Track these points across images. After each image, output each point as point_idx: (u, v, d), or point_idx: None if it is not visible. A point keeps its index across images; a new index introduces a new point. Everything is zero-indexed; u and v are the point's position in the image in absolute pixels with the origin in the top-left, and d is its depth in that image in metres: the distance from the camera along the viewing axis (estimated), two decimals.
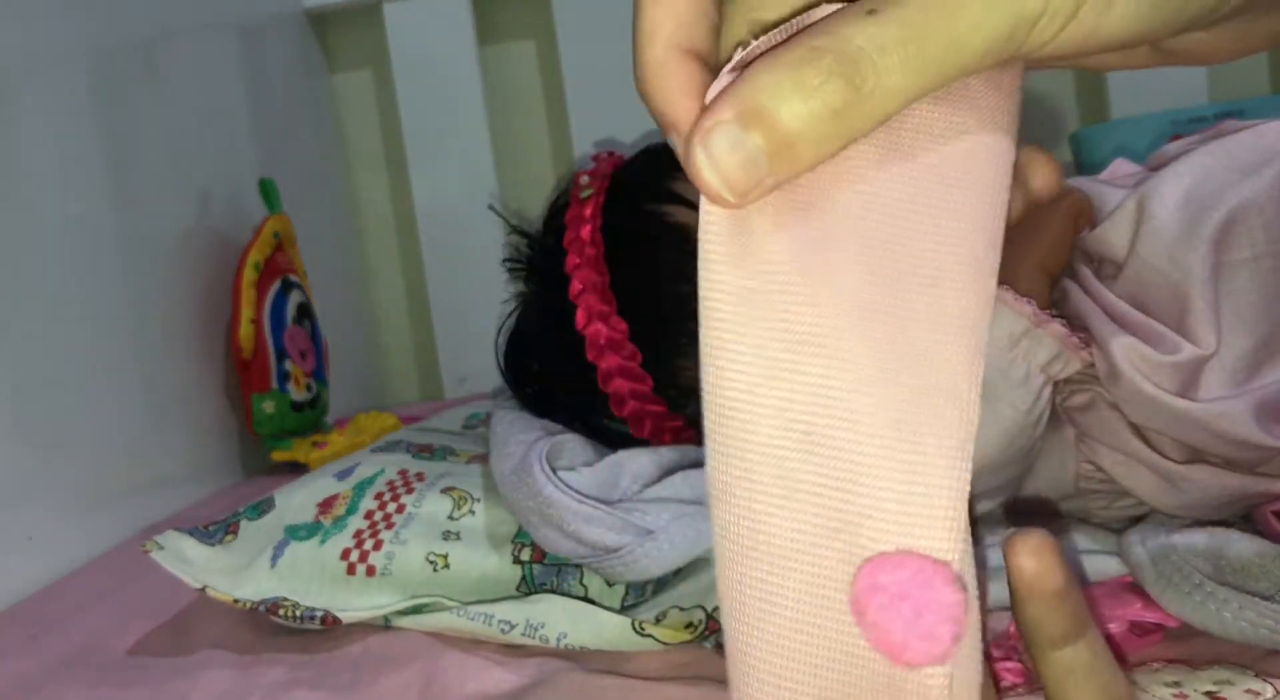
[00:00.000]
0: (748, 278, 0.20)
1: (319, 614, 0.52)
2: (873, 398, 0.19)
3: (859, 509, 0.19)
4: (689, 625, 0.47)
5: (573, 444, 0.59)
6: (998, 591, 0.50)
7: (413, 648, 0.50)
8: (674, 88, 0.21)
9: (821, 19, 0.20)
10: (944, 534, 0.19)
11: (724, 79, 0.20)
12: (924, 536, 0.19)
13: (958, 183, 0.20)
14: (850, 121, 0.19)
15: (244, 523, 0.59)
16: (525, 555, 0.55)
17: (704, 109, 0.20)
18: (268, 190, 0.94)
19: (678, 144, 0.21)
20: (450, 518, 0.57)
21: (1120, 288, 0.52)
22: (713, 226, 0.20)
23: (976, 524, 0.57)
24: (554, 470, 0.54)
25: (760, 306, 0.20)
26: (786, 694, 0.20)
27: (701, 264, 0.20)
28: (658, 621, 0.48)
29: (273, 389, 0.89)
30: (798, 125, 0.19)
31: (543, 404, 0.68)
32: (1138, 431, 0.52)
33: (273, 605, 0.53)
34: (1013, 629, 0.45)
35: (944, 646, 0.18)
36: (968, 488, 0.19)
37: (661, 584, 0.53)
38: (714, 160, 0.20)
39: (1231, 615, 0.40)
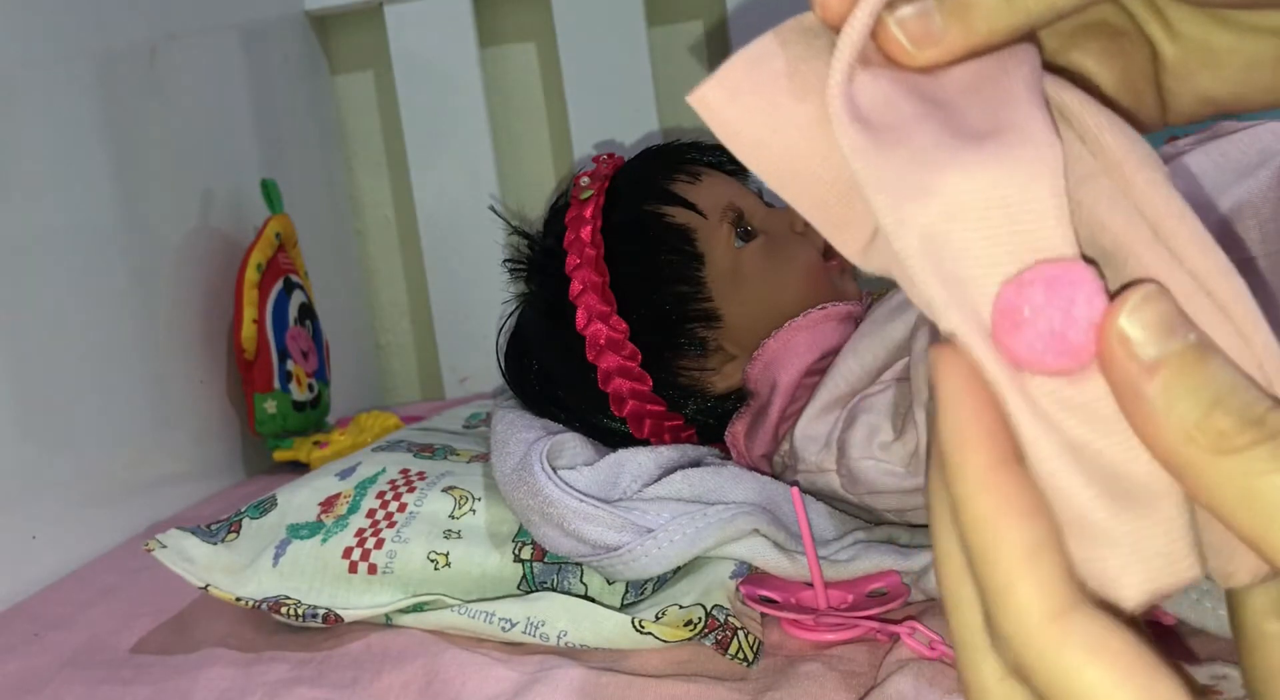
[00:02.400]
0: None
1: (321, 612, 0.53)
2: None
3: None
4: (688, 623, 0.47)
5: (573, 443, 0.59)
6: None
7: (414, 646, 0.50)
8: None
9: None
10: (1054, 233, 0.19)
11: None
12: (1040, 245, 0.19)
13: (1010, 59, 0.23)
14: (1021, 1, 0.22)
15: (246, 521, 0.59)
16: (526, 554, 0.55)
17: None
18: (269, 191, 0.95)
19: None
20: (451, 516, 0.57)
21: None
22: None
23: None
24: (554, 469, 0.55)
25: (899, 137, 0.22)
26: None
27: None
28: (657, 619, 0.48)
29: (275, 389, 0.89)
30: None
31: (543, 404, 0.68)
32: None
33: (275, 603, 0.53)
34: None
35: (1095, 326, 0.19)
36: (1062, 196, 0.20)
37: (661, 582, 0.53)
38: (897, 17, 0.22)
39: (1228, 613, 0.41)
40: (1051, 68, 0.25)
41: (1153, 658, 0.18)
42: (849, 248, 0.24)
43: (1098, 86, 0.26)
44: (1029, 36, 0.23)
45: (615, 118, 1.13)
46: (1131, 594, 0.19)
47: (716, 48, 1.16)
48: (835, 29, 0.22)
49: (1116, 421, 0.19)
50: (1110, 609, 0.18)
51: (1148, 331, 0.18)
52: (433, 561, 0.55)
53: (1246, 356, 0.19)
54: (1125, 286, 0.19)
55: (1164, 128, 0.27)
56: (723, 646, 0.46)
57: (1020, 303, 0.19)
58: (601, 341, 0.64)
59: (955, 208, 0.20)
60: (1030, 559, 0.18)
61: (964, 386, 0.19)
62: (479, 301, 1.10)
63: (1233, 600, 0.21)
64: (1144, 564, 0.19)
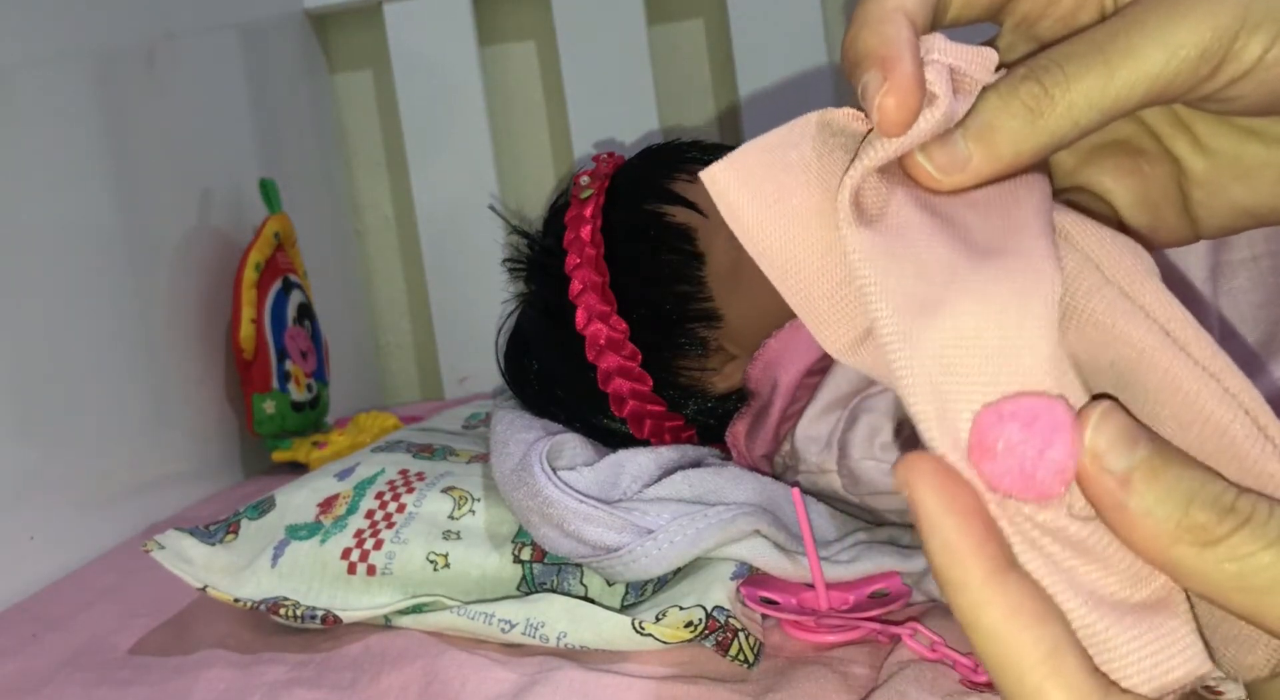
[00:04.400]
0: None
1: (320, 613, 0.52)
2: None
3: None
4: (688, 624, 0.47)
5: (573, 444, 0.59)
6: None
7: (413, 647, 0.50)
8: (889, 33, 0.23)
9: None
10: (1043, 364, 0.20)
11: (931, 39, 0.23)
12: (1027, 376, 0.20)
13: (1022, 183, 0.24)
14: (1043, 122, 0.22)
15: (245, 522, 0.59)
16: (525, 554, 0.55)
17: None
18: (268, 190, 0.95)
19: (869, 82, 0.22)
20: (451, 517, 0.57)
21: None
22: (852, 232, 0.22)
23: None
24: (554, 470, 0.54)
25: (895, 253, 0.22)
26: None
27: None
28: (657, 620, 0.48)
29: (273, 389, 0.89)
30: (995, 116, 0.23)
31: (542, 404, 0.68)
32: None
33: (273, 604, 0.53)
34: None
35: (1068, 474, 0.19)
36: (1053, 331, 0.20)
37: (661, 583, 0.53)
38: (923, 148, 0.23)
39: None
40: (1059, 191, 0.26)
41: None
42: (831, 344, 0.24)
43: (1112, 204, 0.26)
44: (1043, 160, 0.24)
45: (615, 117, 1.12)
46: (1141, 693, 0.19)
47: (717, 47, 1.16)
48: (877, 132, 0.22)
49: (1085, 545, 0.20)
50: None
51: (1114, 445, 0.19)
52: (432, 562, 0.55)
53: (1262, 445, 0.20)
54: (1084, 407, 0.20)
55: (1195, 241, 0.27)
56: (723, 648, 0.46)
57: (996, 435, 0.19)
58: (601, 341, 0.64)
59: (954, 331, 0.20)
60: (1050, 664, 0.18)
61: (942, 500, 0.19)
62: (479, 301, 1.10)
63: (1254, 695, 0.21)
64: (1143, 664, 0.19)
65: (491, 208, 0.88)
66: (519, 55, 1.20)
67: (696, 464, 0.59)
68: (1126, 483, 0.19)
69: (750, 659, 0.46)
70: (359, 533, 0.56)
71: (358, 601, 0.54)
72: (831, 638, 0.48)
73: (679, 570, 0.53)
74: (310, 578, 0.55)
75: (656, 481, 0.56)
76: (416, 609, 0.52)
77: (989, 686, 0.42)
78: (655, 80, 1.12)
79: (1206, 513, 0.18)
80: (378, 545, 0.55)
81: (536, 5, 1.15)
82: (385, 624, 0.53)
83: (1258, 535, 0.18)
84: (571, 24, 1.13)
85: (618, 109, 1.12)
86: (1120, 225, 0.27)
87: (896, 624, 0.46)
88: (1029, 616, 0.18)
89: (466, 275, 1.15)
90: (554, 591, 0.53)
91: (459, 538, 0.56)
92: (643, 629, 0.47)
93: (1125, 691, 0.19)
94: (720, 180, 0.23)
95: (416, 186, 1.17)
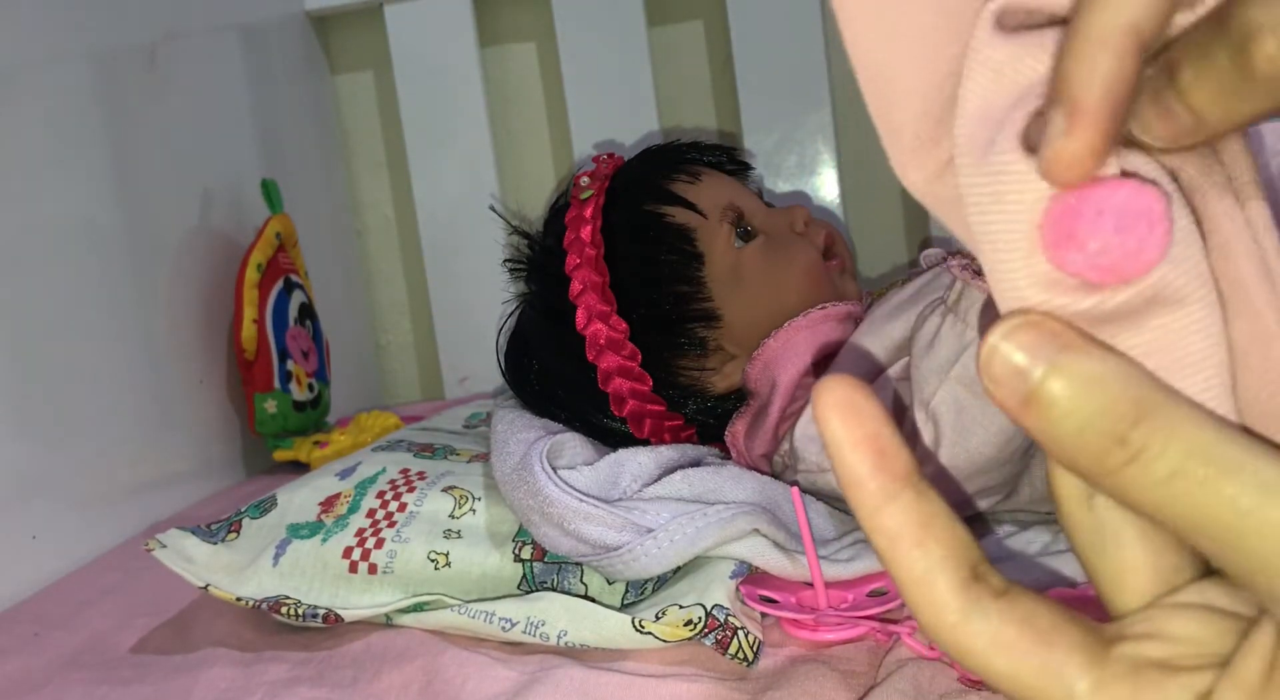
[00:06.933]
0: None
1: (321, 612, 0.53)
2: None
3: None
4: (688, 622, 0.47)
5: (573, 443, 0.59)
6: None
7: (414, 645, 0.50)
8: (1102, 69, 0.19)
9: None
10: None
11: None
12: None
13: None
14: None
15: (246, 521, 0.59)
16: (526, 553, 0.55)
17: None
18: (270, 191, 0.95)
19: (1055, 120, 0.19)
20: (451, 516, 0.57)
21: None
22: None
23: (978, 520, 0.57)
24: (554, 469, 0.55)
25: None
26: None
27: None
28: (657, 619, 0.48)
29: (275, 389, 0.89)
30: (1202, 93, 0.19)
31: (543, 403, 0.68)
32: None
33: (275, 603, 0.53)
34: None
35: (1150, 266, 0.18)
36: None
37: (661, 582, 0.53)
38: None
39: None
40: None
41: (1046, 631, 0.20)
42: (908, 170, 0.22)
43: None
44: None
45: (615, 118, 1.12)
46: None
47: (716, 48, 1.16)
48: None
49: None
50: (1014, 593, 0.20)
51: (1017, 364, 0.19)
52: (433, 561, 0.55)
53: None
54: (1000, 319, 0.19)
55: None
56: (723, 646, 0.46)
57: (1086, 228, 0.18)
58: (601, 341, 0.64)
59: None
60: (924, 584, 0.20)
61: (845, 428, 0.20)
62: (479, 301, 1.10)
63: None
64: None
65: (491, 208, 0.88)
66: (519, 56, 1.20)
67: (696, 463, 0.60)
68: (1028, 404, 0.19)
69: (750, 657, 0.46)
70: (360, 531, 0.57)
71: (359, 600, 0.54)
72: (830, 636, 0.48)
73: (679, 569, 0.53)
74: (311, 576, 0.55)
75: (656, 481, 0.56)
76: (417, 608, 0.52)
77: (988, 685, 0.42)
78: (655, 81, 1.12)
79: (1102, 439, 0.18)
80: (379, 544, 0.56)
81: (537, 6, 1.16)
82: (386, 622, 0.53)
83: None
84: (571, 25, 1.13)
85: (618, 109, 1.13)
86: None
87: (895, 622, 0.46)
88: (908, 543, 0.20)
89: (467, 275, 1.15)
90: (554, 590, 0.53)
91: (460, 536, 0.56)
92: (643, 627, 0.47)
93: (999, 599, 0.20)
94: None
95: (417, 187, 1.17)
